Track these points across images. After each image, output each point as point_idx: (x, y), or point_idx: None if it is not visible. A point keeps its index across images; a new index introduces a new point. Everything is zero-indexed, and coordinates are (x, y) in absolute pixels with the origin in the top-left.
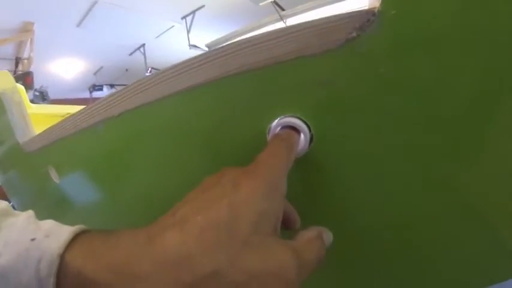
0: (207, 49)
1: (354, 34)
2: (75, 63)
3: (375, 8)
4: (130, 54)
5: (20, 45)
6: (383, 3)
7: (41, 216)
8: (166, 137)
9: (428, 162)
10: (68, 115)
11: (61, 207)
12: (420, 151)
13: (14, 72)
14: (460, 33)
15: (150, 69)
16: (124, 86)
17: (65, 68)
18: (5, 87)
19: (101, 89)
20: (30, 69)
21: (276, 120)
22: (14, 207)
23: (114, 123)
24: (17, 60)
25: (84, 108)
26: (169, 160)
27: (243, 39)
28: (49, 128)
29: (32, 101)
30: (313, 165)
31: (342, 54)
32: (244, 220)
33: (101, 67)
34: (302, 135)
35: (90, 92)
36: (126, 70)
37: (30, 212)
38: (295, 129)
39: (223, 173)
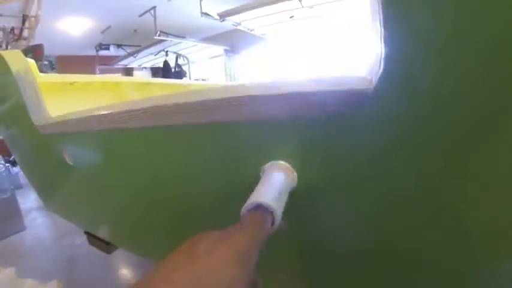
0: (218, 18)
1: (345, 108)
2: (83, 21)
3: (367, 88)
4: (140, 15)
5: (27, 3)
6: (377, 84)
7: (42, 178)
8: (176, 157)
9: (414, 211)
10: (75, 83)
11: (66, 179)
12: (407, 206)
13: (21, 30)
14: (445, 112)
15: (159, 32)
16: (134, 47)
17: (72, 26)
18: (18, 68)
19: (108, 48)
20: (37, 27)
21: (268, 164)
22: (15, 161)
23: (131, 133)
24: (24, 18)
25: (107, 114)
26: (170, 176)
27: (248, 96)
28: (70, 118)
29: (40, 70)
30: (302, 204)
31: (333, 122)
32: (216, 285)
33: (109, 26)
34: (275, 218)
35: (97, 51)
36: (135, 31)
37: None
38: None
39: (198, 239)
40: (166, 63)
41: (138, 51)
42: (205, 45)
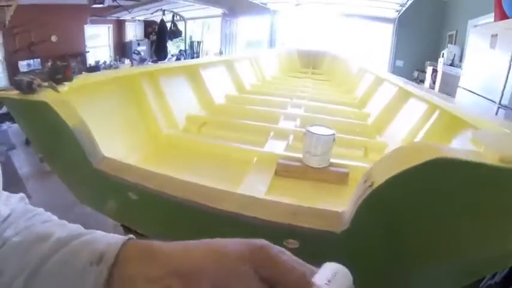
0: None
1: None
2: None
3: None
4: None
5: None
6: (342, 232)
7: (93, 196)
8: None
9: None
10: (95, 83)
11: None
12: None
13: None
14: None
15: None
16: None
17: None
18: (74, 122)
19: (102, 3)
20: None
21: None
22: (2, 117)
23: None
24: None
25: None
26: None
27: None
28: (122, 168)
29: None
30: None
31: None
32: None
33: None
34: None
35: (90, 4)
36: None
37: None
38: None
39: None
40: (162, 22)
41: (133, 7)
42: (203, 5)
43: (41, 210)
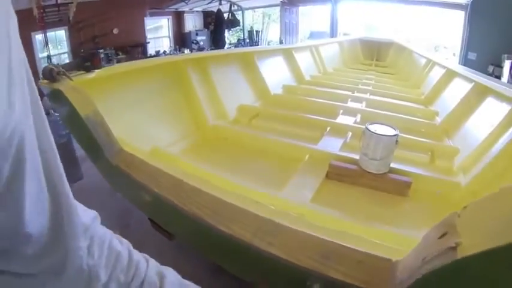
0: None
1: None
2: None
3: None
4: None
5: None
6: None
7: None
8: None
9: None
10: (133, 71)
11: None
12: None
13: None
14: None
15: None
16: None
17: None
18: (86, 112)
19: None
20: None
21: None
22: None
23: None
24: None
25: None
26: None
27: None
28: (136, 163)
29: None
30: None
31: None
32: None
33: None
34: None
35: None
36: None
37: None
38: None
39: None
40: (219, 11)
41: None
42: None
43: (117, 243)
